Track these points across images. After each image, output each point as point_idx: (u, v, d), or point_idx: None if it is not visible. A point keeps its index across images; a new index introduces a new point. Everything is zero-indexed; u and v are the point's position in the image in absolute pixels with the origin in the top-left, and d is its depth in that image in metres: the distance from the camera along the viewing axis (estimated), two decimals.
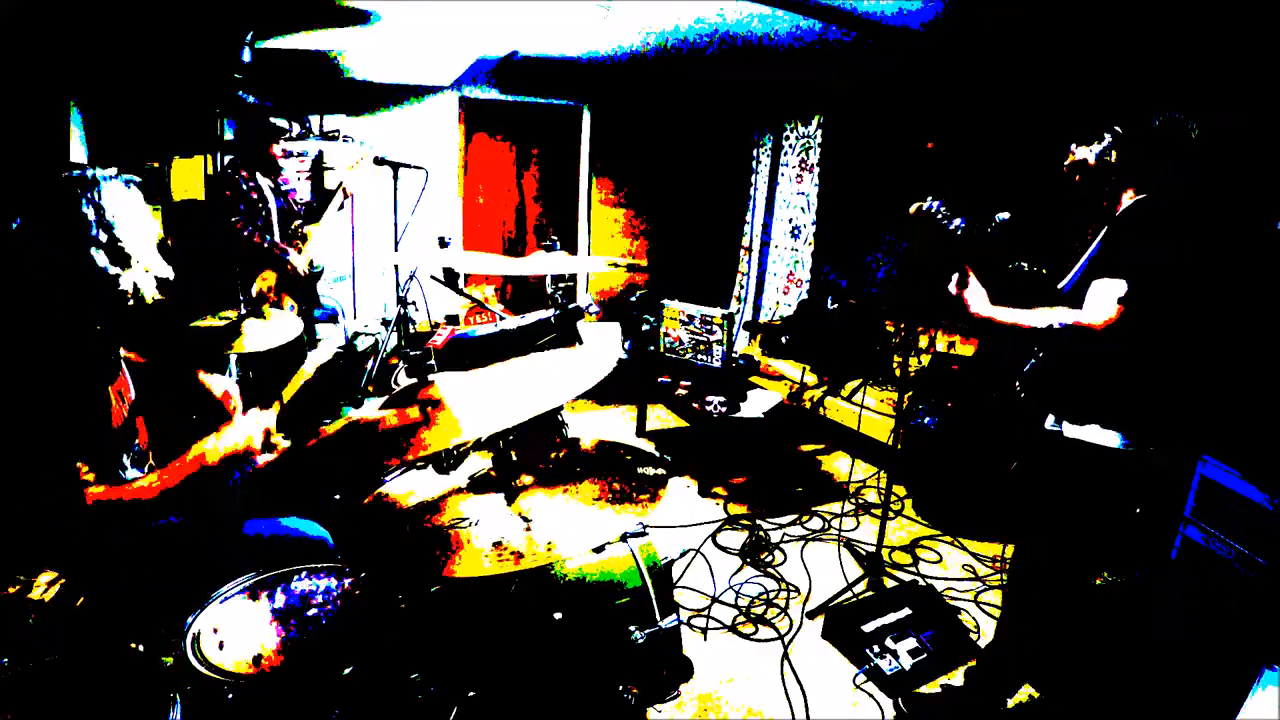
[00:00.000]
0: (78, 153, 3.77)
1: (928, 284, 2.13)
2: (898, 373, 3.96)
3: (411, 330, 4.57)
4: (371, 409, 1.51)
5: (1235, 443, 2.48)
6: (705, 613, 2.67)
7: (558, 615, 1.58)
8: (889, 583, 2.88)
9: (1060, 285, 1.92)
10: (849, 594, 2.77)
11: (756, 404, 4.07)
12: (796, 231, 5.77)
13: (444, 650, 1.51)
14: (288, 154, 4.70)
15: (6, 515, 1.47)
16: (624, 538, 1.79)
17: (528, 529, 1.36)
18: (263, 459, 1.53)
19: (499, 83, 5.67)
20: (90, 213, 1.50)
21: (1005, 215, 2.12)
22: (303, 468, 1.31)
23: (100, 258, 1.50)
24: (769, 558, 3.07)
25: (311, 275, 3.80)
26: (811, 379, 4.67)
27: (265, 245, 3.59)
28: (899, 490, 3.73)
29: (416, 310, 4.74)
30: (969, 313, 1.99)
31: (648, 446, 4.19)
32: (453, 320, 5.31)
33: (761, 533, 3.23)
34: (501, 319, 2.72)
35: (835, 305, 4.95)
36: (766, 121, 5.96)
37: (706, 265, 6.38)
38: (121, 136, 3.95)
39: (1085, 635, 2.22)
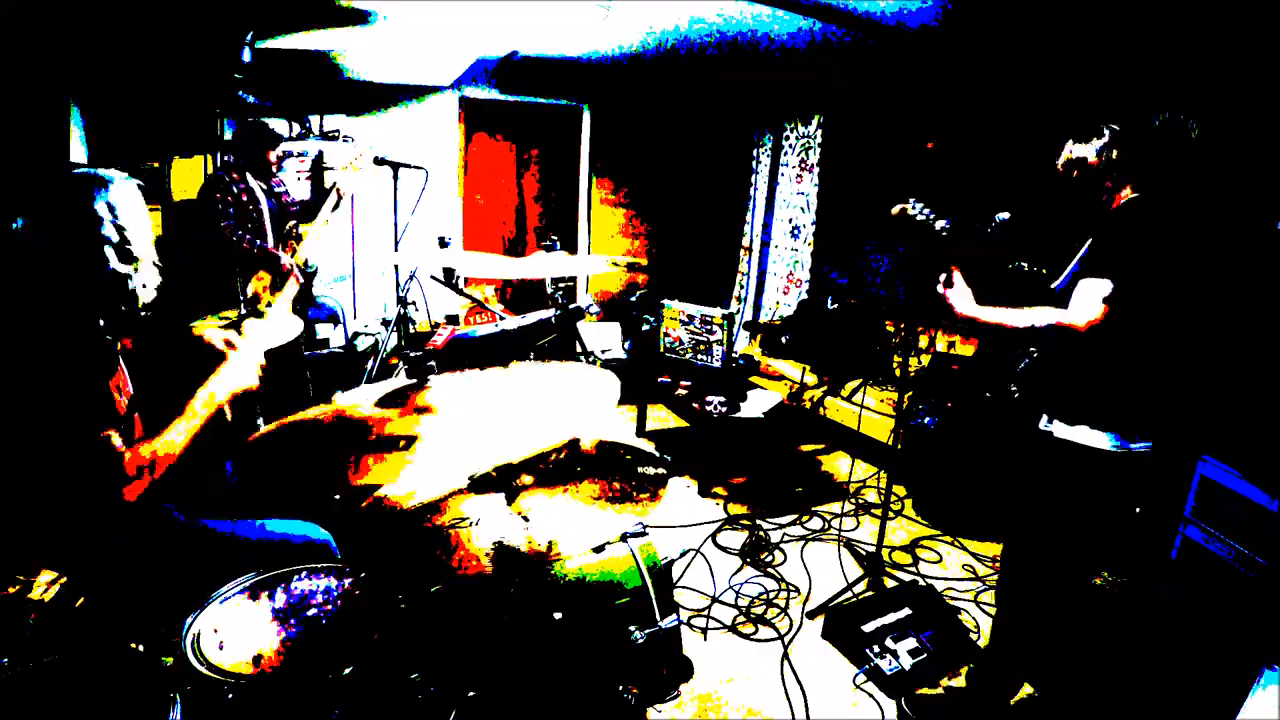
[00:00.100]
0: (78, 153, 3.77)
1: (922, 284, 2.13)
2: (898, 373, 3.96)
3: (411, 330, 4.57)
4: (360, 396, 1.51)
5: (1236, 443, 2.48)
6: (705, 613, 2.67)
7: (558, 615, 1.58)
8: (889, 583, 2.88)
9: (1054, 285, 1.92)
10: (849, 594, 2.77)
11: (756, 404, 4.07)
12: (796, 231, 5.77)
13: (444, 650, 1.50)
14: (287, 154, 4.70)
15: (6, 515, 1.47)
16: (624, 538, 1.79)
17: (527, 529, 1.36)
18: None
19: (499, 83, 5.67)
20: (104, 211, 1.51)
21: (1005, 215, 2.12)
22: (288, 449, 1.30)
23: (112, 256, 1.51)
24: (769, 558, 3.07)
25: (305, 275, 3.81)
26: (811, 379, 4.67)
27: (257, 247, 3.61)
28: (899, 490, 3.73)
29: (416, 310, 4.73)
30: (954, 312, 1.99)
31: (648, 446, 4.19)
32: (453, 320, 5.31)
33: (761, 533, 3.23)
34: (501, 319, 2.72)
35: (835, 305, 4.95)
36: (766, 121, 5.96)
37: (706, 265, 6.38)
38: (121, 136, 3.95)
39: (1082, 635, 2.22)
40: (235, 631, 1.35)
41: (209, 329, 1.90)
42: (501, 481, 1.50)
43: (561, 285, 4.93)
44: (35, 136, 3.49)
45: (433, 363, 1.43)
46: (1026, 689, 2.25)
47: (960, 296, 2.00)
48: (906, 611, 2.55)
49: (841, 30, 3.62)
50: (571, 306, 2.60)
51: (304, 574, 1.53)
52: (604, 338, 5.31)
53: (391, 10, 3.72)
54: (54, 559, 1.59)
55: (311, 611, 1.42)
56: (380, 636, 1.36)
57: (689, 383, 4.32)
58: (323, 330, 4.67)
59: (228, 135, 4.46)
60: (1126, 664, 2.19)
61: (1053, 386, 1.91)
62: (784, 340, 5.15)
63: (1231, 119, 2.64)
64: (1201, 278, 1.81)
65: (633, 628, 1.68)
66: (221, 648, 1.31)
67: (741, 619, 2.65)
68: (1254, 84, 2.70)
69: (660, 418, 4.66)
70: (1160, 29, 2.87)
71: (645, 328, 4.29)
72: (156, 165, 4.15)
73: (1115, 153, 1.83)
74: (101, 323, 1.55)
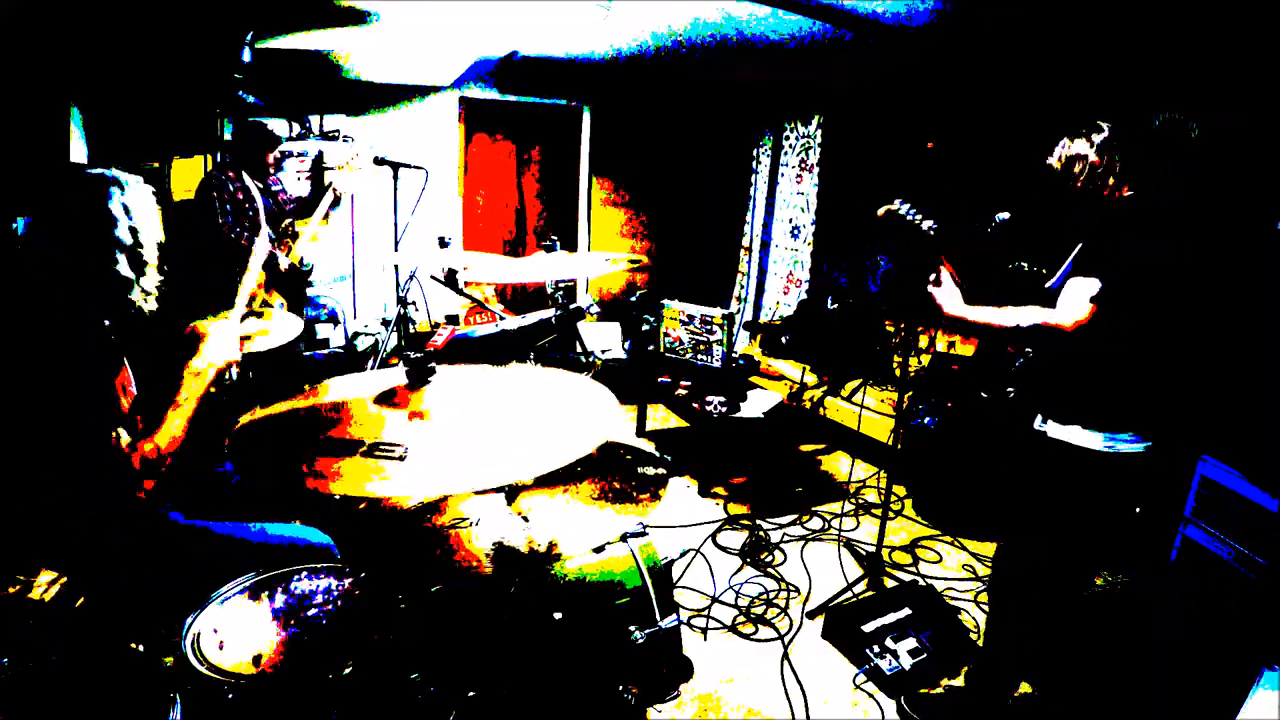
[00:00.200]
0: (78, 153, 3.77)
1: (914, 284, 2.13)
2: (898, 373, 3.95)
3: (411, 330, 4.57)
4: (353, 381, 1.50)
5: (1236, 443, 2.48)
6: (705, 613, 2.67)
7: (558, 615, 1.58)
8: (889, 583, 2.88)
9: (1048, 284, 1.91)
10: (849, 594, 2.77)
11: (756, 404, 4.07)
12: (796, 231, 5.77)
13: (444, 650, 1.51)
14: (288, 154, 4.70)
15: (7, 515, 1.47)
16: (624, 538, 1.79)
17: (527, 529, 1.36)
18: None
19: (499, 83, 5.67)
20: (119, 213, 1.50)
21: (1005, 215, 2.12)
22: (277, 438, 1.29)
23: (122, 259, 1.51)
24: (769, 558, 3.07)
25: (300, 274, 3.81)
26: (811, 379, 4.67)
27: (254, 244, 3.61)
28: (899, 490, 3.73)
29: (416, 310, 4.75)
30: (942, 312, 1.99)
31: (648, 446, 4.19)
32: (453, 320, 5.31)
33: (761, 533, 3.23)
34: (502, 319, 2.73)
35: (835, 305, 4.95)
36: (766, 121, 5.96)
37: (706, 265, 6.38)
38: (122, 137, 3.94)
39: (1078, 635, 2.21)
40: (235, 631, 1.35)
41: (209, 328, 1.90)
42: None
43: (561, 285, 4.94)
44: (35, 137, 3.49)
45: (433, 363, 1.43)
46: (1025, 687, 2.25)
47: (948, 296, 2.00)
48: (906, 611, 2.55)
49: (841, 30, 3.62)
50: (572, 306, 2.60)
51: (304, 574, 1.53)
52: (604, 338, 5.32)
53: (391, 10, 3.72)
54: (54, 559, 1.59)
55: (311, 611, 1.42)
56: (380, 636, 1.36)
57: (689, 383, 4.32)
58: (323, 330, 4.67)
59: (228, 135, 4.46)
60: (1123, 664, 2.19)
61: (1046, 386, 1.91)
62: (784, 340, 5.15)
63: (1231, 119, 2.63)
64: (1201, 278, 1.81)
65: (633, 628, 1.68)
66: (221, 648, 1.31)
67: (741, 619, 2.65)
68: (1254, 84, 2.70)
69: (660, 418, 4.66)
70: (1160, 29, 2.87)
71: (645, 328, 4.28)
72: (156, 165, 4.15)
73: (1115, 150, 1.82)
74: (106, 323, 1.55)
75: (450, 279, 2.82)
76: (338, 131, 5.01)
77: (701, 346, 4.22)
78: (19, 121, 3.39)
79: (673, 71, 5.31)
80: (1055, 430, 1.84)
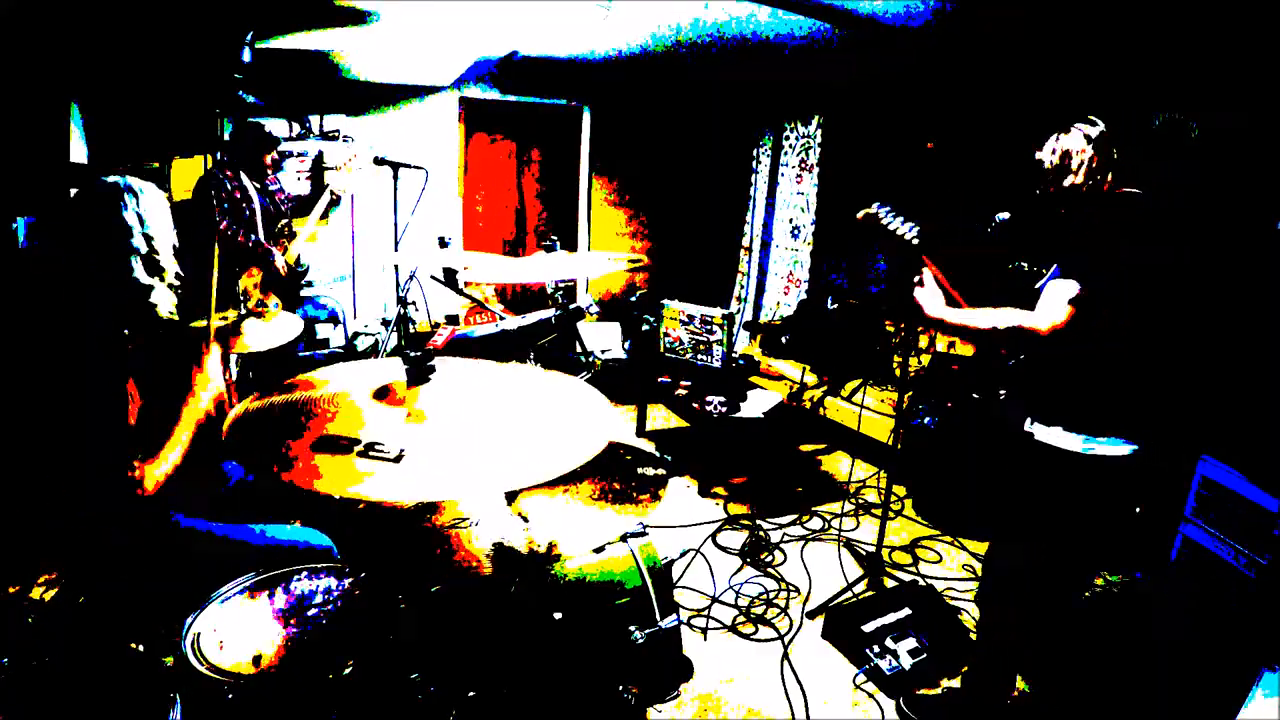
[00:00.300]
0: (78, 153, 3.77)
1: (899, 284, 2.12)
2: (898, 373, 3.95)
3: (411, 330, 4.57)
4: (349, 370, 1.50)
5: (1236, 442, 2.48)
6: (705, 613, 2.67)
7: (558, 615, 1.58)
8: (889, 583, 2.88)
9: (1037, 285, 1.90)
10: (849, 594, 2.77)
11: (756, 404, 4.07)
12: (796, 231, 5.77)
13: (444, 650, 1.51)
14: (288, 154, 4.71)
15: (7, 515, 1.47)
16: (624, 538, 1.79)
17: (527, 529, 1.36)
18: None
19: (499, 83, 5.66)
20: (133, 221, 1.52)
21: (1005, 215, 2.12)
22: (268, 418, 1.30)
23: (138, 267, 1.52)
24: (769, 558, 3.07)
25: (296, 273, 3.82)
26: (811, 379, 4.67)
27: (250, 244, 3.62)
28: (899, 490, 3.73)
29: (416, 310, 4.74)
30: (924, 314, 1.98)
31: (648, 446, 4.19)
32: (453, 320, 5.32)
33: (761, 533, 3.23)
34: (502, 319, 2.72)
35: (835, 305, 4.95)
36: (766, 121, 5.96)
37: (706, 265, 6.38)
38: (122, 136, 3.94)
39: (1074, 636, 2.21)
40: (235, 631, 1.35)
41: (207, 328, 1.91)
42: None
43: (561, 285, 4.94)
44: (35, 137, 3.49)
45: (432, 363, 1.42)
46: (1022, 685, 2.25)
47: (929, 297, 1.99)
48: (906, 611, 2.55)
49: (841, 30, 3.62)
50: (572, 306, 2.60)
51: (304, 574, 1.53)
52: (604, 338, 5.32)
53: (391, 10, 3.71)
54: (54, 559, 1.59)
55: (311, 611, 1.42)
56: (380, 636, 1.36)
57: (689, 383, 4.33)
58: (323, 330, 4.67)
59: (227, 135, 4.46)
60: (1121, 665, 2.19)
61: (1031, 387, 1.90)
62: (784, 340, 5.15)
63: (1231, 119, 2.63)
64: (1201, 278, 1.80)
65: (633, 628, 1.68)
66: (221, 648, 1.31)
67: (741, 619, 2.65)
68: (1254, 84, 2.70)
69: (660, 418, 4.66)
70: (1160, 29, 2.87)
71: (645, 328, 4.27)
72: (156, 165, 4.15)
73: (1109, 145, 1.80)
74: (111, 324, 1.56)
75: (450, 279, 2.82)
76: (338, 131, 5.01)
77: (701, 346, 4.22)
78: (19, 121, 3.38)
79: (673, 71, 5.31)
80: (1040, 432, 1.84)
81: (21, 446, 1.45)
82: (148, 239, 1.55)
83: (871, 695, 2.30)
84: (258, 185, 3.81)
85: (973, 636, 2.58)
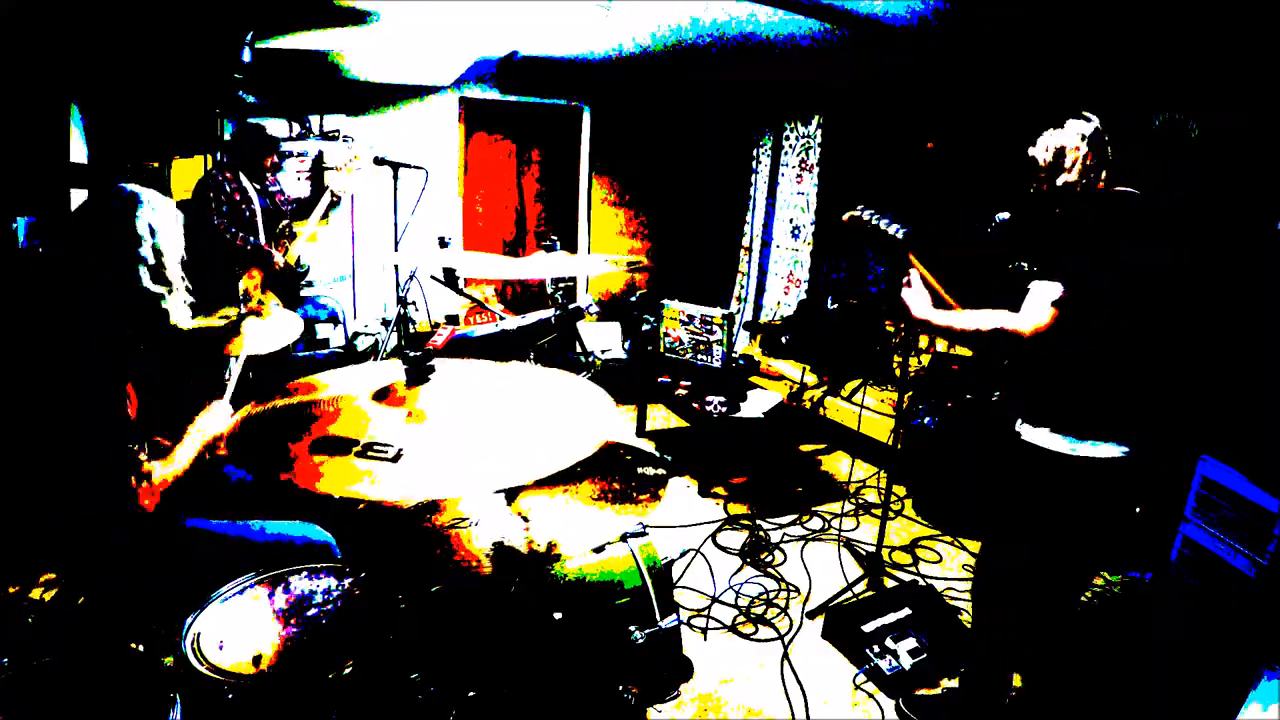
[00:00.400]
0: (78, 153, 3.77)
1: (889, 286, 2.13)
2: (898, 373, 3.95)
3: (411, 330, 4.57)
4: (352, 373, 1.50)
5: (1236, 442, 2.48)
6: (705, 613, 2.67)
7: (558, 615, 1.58)
8: (889, 583, 2.88)
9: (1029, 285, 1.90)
10: (849, 594, 2.77)
11: (756, 404, 4.07)
12: (796, 231, 5.77)
13: (444, 650, 1.51)
14: (288, 154, 4.71)
15: (7, 515, 1.47)
16: (624, 538, 1.79)
17: (528, 529, 1.36)
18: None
19: (499, 83, 5.67)
20: (144, 231, 1.54)
21: (1005, 215, 2.11)
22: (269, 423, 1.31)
23: (145, 276, 1.54)
24: (769, 558, 3.07)
25: (296, 274, 3.82)
26: (811, 379, 4.67)
27: (249, 245, 3.63)
28: (899, 490, 3.73)
29: (416, 310, 4.74)
30: (911, 315, 1.98)
31: (648, 446, 4.19)
32: (453, 320, 5.31)
33: (761, 533, 3.23)
34: (501, 319, 2.72)
35: (835, 305, 4.95)
36: (766, 121, 5.96)
37: (706, 265, 6.38)
38: (122, 137, 3.95)
39: (1072, 635, 2.20)
40: (235, 631, 1.35)
41: (208, 326, 1.91)
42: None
43: (561, 285, 4.94)
44: (35, 137, 3.49)
45: (432, 363, 1.42)
46: (1018, 682, 2.24)
47: (916, 298, 1.99)
48: (906, 611, 2.55)
49: (841, 30, 3.62)
50: (571, 306, 2.60)
51: (304, 574, 1.53)
52: (604, 338, 5.31)
53: (391, 10, 3.72)
54: (54, 559, 1.59)
55: (311, 611, 1.42)
56: (380, 636, 1.36)
57: (689, 383, 4.32)
58: (323, 330, 4.67)
59: (228, 136, 4.46)
60: (1117, 664, 2.19)
61: (1021, 389, 1.90)
62: (784, 340, 5.15)
63: (1231, 119, 2.63)
64: (1201, 277, 1.80)
65: (633, 628, 1.68)
66: (221, 648, 1.31)
67: (741, 619, 2.65)
68: (1254, 84, 2.70)
69: (660, 418, 4.66)
70: (1160, 29, 2.87)
71: (645, 328, 4.28)
72: (156, 166, 4.15)
73: (1103, 142, 1.78)
74: (112, 326, 1.56)
75: (450, 279, 2.82)
76: (338, 131, 5.01)
77: (701, 346, 4.22)
78: (19, 121, 3.39)
79: (673, 71, 5.31)
80: (1027, 432, 1.83)
81: (22, 446, 1.45)
82: (156, 251, 1.57)
83: (871, 695, 2.30)
84: (258, 186, 3.81)
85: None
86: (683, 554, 2.99)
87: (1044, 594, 1.88)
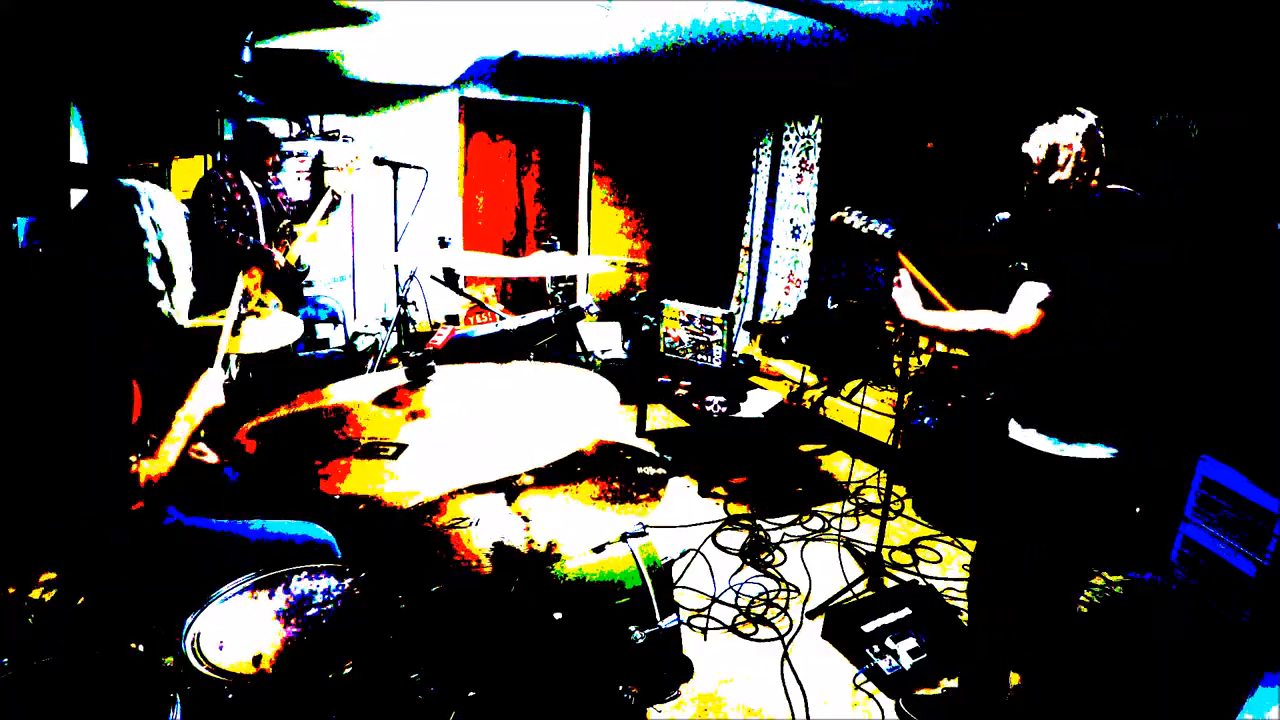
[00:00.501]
0: (78, 153, 3.77)
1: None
2: (898, 373, 3.95)
3: (411, 330, 4.57)
4: (357, 385, 1.51)
5: (1235, 442, 2.48)
6: (705, 613, 2.67)
7: (558, 615, 1.58)
8: (889, 583, 2.88)
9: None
10: (849, 594, 2.77)
11: (756, 404, 4.07)
12: (797, 231, 5.77)
13: (444, 650, 1.51)
14: (288, 154, 4.71)
15: (7, 515, 1.47)
16: (624, 538, 1.79)
17: (528, 529, 1.36)
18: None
19: (499, 83, 5.67)
20: (147, 226, 1.53)
21: (1005, 215, 2.11)
22: (283, 439, 1.31)
23: (153, 272, 1.54)
24: (769, 558, 3.06)
25: (297, 274, 3.82)
26: (811, 379, 4.67)
27: (249, 245, 3.63)
28: (899, 490, 3.73)
29: (416, 310, 4.74)
30: (901, 315, 1.98)
31: (648, 446, 4.19)
32: (453, 320, 5.31)
33: (761, 533, 3.23)
34: (502, 319, 2.73)
35: (835, 305, 4.95)
36: (766, 121, 5.96)
37: (706, 265, 6.38)
38: (122, 137, 3.95)
39: (1070, 634, 2.19)
40: (235, 631, 1.35)
41: (208, 327, 1.91)
42: (501, 482, 1.50)
43: (561, 285, 4.94)
44: (35, 137, 3.49)
45: (433, 363, 1.42)
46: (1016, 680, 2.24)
47: (905, 298, 1.99)
48: (906, 611, 2.55)
49: (841, 30, 3.62)
50: (571, 306, 2.60)
51: (304, 574, 1.53)
52: (604, 338, 5.32)
53: (391, 10, 3.72)
54: (54, 559, 1.59)
55: (311, 611, 1.42)
56: (380, 636, 1.36)
57: (689, 383, 4.32)
58: (323, 330, 4.67)
59: (228, 135, 4.46)
60: (1116, 664, 2.19)
61: (1011, 389, 1.89)
62: (784, 340, 5.15)
63: (1231, 119, 2.63)
64: (1201, 277, 1.80)
65: (633, 628, 1.68)
66: (221, 648, 1.31)
67: (741, 619, 2.65)
68: (1254, 84, 2.70)
69: (660, 418, 4.66)
70: (1160, 29, 2.87)
71: (645, 328, 4.28)
72: (156, 165, 4.16)
73: (1098, 138, 1.76)
74: (113, 326, 1.56)
75: (450, 279, 2.82)
76: (338, 131, 5.01)
77: (701, 346, 4.22)
78: (19, 121, 3.38)
79: (673, 71, 5.31)
80: (1015, 431, 1.83)
81: (22, 446, 1.45)
82: (162, 246, 1.56)
83: (871, 695, 2.30)
84: (259, 185, 3.81)
85: None
86: (683, 554, 2.99)
87: (1039, 594, 1.88)
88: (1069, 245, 1.70)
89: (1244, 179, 2.65)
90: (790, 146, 5.77)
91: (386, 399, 1.36)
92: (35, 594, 1.59)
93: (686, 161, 6.27)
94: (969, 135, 4.02)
